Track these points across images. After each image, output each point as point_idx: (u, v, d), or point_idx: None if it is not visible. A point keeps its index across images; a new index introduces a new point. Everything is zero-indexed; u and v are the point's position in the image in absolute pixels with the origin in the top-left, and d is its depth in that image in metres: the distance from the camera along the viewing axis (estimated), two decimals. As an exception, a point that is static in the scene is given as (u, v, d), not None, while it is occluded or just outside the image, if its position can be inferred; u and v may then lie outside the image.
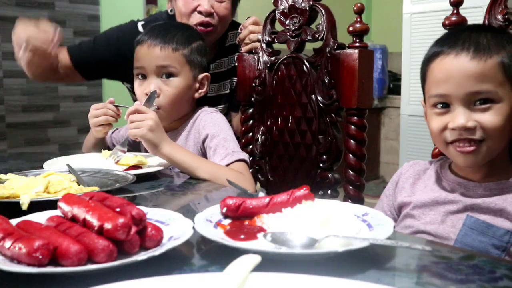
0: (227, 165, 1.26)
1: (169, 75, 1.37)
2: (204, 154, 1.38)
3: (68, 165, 1.13)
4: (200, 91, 1.44)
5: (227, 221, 0.77)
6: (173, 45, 1.36)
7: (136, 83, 1.41)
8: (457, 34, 0.94)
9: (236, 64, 1.62)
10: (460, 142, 0.90)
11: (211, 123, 1.38)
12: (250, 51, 1.57)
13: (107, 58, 1.64)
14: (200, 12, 1.56)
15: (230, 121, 1.80)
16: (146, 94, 1.33)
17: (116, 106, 1.44)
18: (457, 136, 0.90)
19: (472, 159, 0.90)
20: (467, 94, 0.88)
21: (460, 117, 0.88)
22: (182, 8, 1.58)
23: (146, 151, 1.37)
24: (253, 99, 1.57)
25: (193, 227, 0.69)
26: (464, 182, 0.95)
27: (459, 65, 0.89)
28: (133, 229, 0.61)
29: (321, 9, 1.37)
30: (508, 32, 0.99)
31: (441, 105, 0.92)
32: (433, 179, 1.01)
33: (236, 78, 1.65)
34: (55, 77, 1.69)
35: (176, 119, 1.43)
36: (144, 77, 1.38)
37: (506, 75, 0.88)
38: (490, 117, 0.87)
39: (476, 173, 0.95)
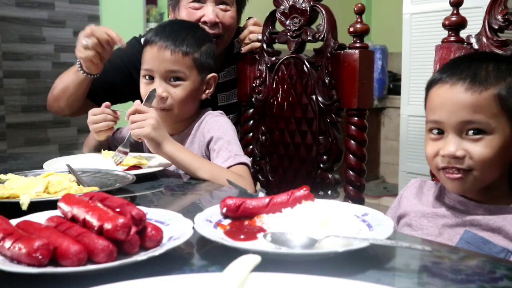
0: (228, 167, 1.26)
1: (177, 78, 1.36)
2: (208, 158, 1.37)
3: (68, 165, 1.13)
4: (207, 91, 1.44)
5: (227, 221, 0.77)
6: (183, 49, 1.34)
7: (142, 83, 1.40)
8: (458, 63, 0.96)
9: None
10: (449, 169, 0.92)
11: (216, 127, 1.38)
12: (250, 51, 1.57)
13: (116, 82, 1.60)
14: (204, 23, 1.53)
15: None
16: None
17: (113, 110, 1.43)
18: (446, 164, 0.92)
19: (459, 186, 0.93)
20: (459, 122, 0.90)
21: (450, 145, 0.91)
22: (186, 19, 1.55)
23: (148, 151, 1.37)
24: (253, 99, 1.57)
25: (193, 227, 0.69)
26: (465, 201, 0.96)
27: (454, 95, 0.91)
28: (133, 229, 0.61)
29: (322, 9, 1.37)
30: None
31: (436, 131, 0.95)
32: (436, 194, 1.03)
33: None
34: (72, 111, 1.63)
35: (183, 120, 1.43)
36: (151, 78, 1.38)
37: (502, 107, 0.89)
38: (479, 148, 0.89)
39: (475, 196, 0.96)
